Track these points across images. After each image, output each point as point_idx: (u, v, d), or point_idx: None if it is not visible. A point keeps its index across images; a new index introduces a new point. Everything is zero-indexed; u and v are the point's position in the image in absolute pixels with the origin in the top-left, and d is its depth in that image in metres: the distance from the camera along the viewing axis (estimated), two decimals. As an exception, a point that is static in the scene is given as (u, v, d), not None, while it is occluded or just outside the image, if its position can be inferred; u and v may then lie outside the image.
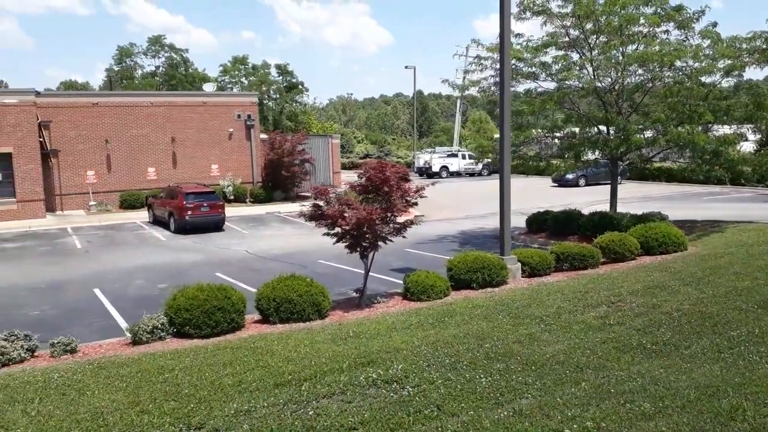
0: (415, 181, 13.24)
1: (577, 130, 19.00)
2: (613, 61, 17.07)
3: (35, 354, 8.75)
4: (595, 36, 17.49)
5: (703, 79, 16.99)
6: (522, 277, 12.72)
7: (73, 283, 14.65)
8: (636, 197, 28.19)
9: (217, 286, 9.91)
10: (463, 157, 50.73)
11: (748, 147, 27.13)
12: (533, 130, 19.55)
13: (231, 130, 31.89)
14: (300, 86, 63.66)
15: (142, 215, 26.46)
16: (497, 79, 18.45)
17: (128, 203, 28.64)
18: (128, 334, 9.42)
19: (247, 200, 31.10)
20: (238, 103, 32.83)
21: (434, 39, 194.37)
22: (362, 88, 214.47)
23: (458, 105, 67.07)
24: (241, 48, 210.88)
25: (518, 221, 18.87)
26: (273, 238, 20.78)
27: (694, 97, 16.75)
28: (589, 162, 19.59)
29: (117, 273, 15.55)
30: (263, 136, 33.93)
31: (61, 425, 6.07)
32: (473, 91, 20.90)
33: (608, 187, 19.62)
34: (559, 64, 17.77)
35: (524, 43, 18.43)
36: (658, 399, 6.09)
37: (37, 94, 27.32)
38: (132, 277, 14.97)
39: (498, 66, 17.82)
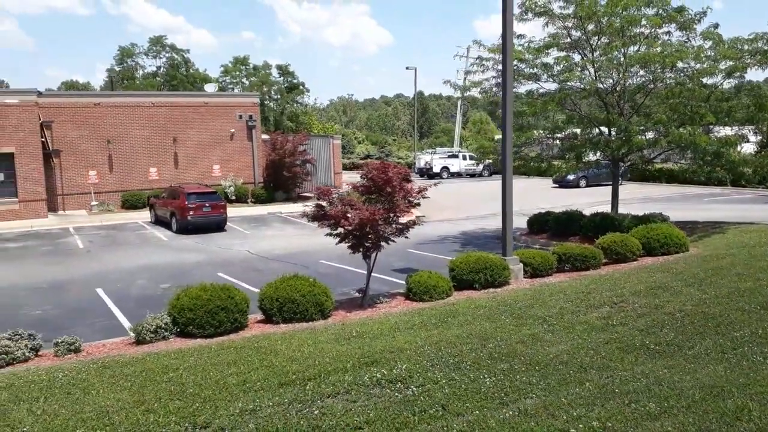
0: (417, 181, 13.27)
1: (578, 131, 19.02)
2: (614, 62, 17.09)
3: (39, 353, 8.77)
4: (596, 37, 17.50)
5: (704, 80, 17.01)
6: (524, 277, 12.74)
7: (75, 282, 14.67)
8: (637, 198, 28.21)
9: (220, 286, 9.93)
10: (464, 157, 50.76)
11: (748, 148, 27.13)
12: (534, 131, 19.58)
13: (232, 130, 31.93)
14: (301, 87, 63.80)
15: (143, 215, 26.49)
16: (499, 80, 18.50)
17: (130, 203, 28.67)
18: (132, 334, 9.44)
19: (249, 200, 31.14)
20: (239, 104, 32.88)
21: (434, 39, 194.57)
22: (363, 88, 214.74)
23: (459, 106, 67.08)
24: (241, 48, 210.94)
25: (519, 222, 18.87)
26: (275, 239, 20.80)
27: (695, 98, 16.76)
28: (591, 163, 19.60)
29: (119, 273, 15.57)
30: (265, 136, 33.98)
31: (66, 424, 6.09)
32: (475, 92, 20.91)
33: (609, 188, 19.65)
34: (561, 65, 17.79)
35: (526, 44, 18.46)
36: (663, 399, 6.11)
37: (39, 94, 27.36)
38: (134, 277, 14.99)
39: (500, 67, 17.89)
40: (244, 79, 64.11)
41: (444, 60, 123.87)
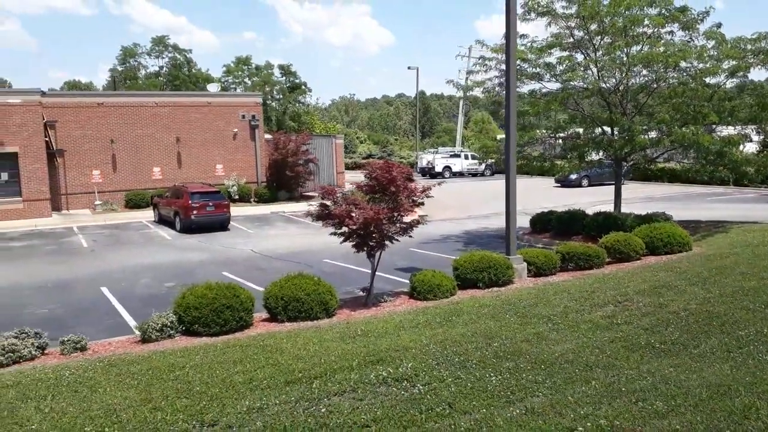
0: (419, 181, 13.29)
1: (581, 130, 19.04)
2: (617, 62, 17.09)
3: (45, 351, 8.80)
4: (599, 37, 17.51)
5: (707, 79, 17.02)
6: (528, 276, 12.76)
7: (80, 281, 14.71)
8: (639, 197, 28.20)
9: (225, 284, 9.97)
10: (466, 157, 50.79)
11: (750, 148, 27.11)
12: (537, 131, 19.59)
13: (235, 130, 31.97)
14: (303, 87, 63.79)
15: (147, 214, 26.55)
16: (502, 79, 18.52)
17: (133, 203, 28.73)
18: (137, 332, 9.48)
19: (252, 200, 31.18)
20: (242, 104, 32.93)
21: (435, 39, 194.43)
22: (364, 88, 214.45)
23: (461, 105, 67.07)
24: (243, 49, 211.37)
25: (522, 221, 18.86)
26: (278, 238, 20.84)
27: (698, 97, 16.75)
28: (594, 162, 19.61)
29: (123, 272, 15.61)
30: (267, 136, 34.02)
31: (74, 422, 6.12)
32: (477, 91, 20.93)
33: (611, 187, 19.66)
34: (564, 65, 17.81)
35: (528, 44, 18.49)
36: (670, 398, 6.12)
37: (43, 94, 27.41)
38: (138, 276, 15.03)
39: (502, 67, 17.92)
40: (246, 79, 64.14)
41: (445, 60, 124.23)
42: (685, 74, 17.11)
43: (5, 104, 24.99)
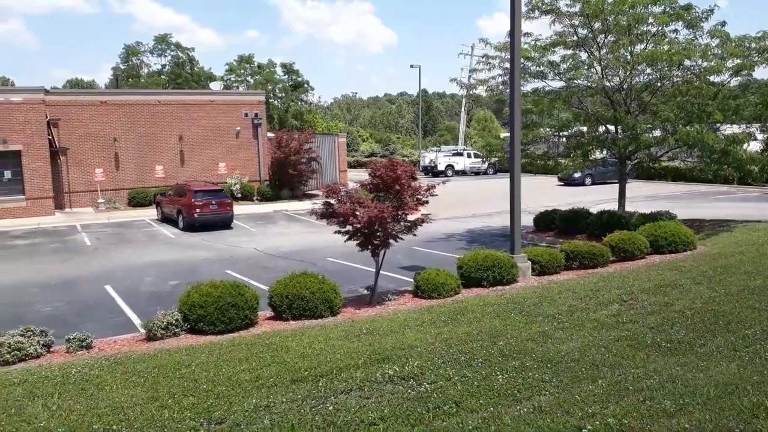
0: (422, 179, 13.29)
1: (585, 129, 19.01)
2: (621, 60, 17.06)
3: (51, 349, 8.80)
4: (603, 35, 17.48)
5: (711, 78, 16.97)
6: (532, 275, 12.74)
7: (84, 279, 14.73)
8: (642, 196, 28.12)
9: (230, 282, 9.97)
10: (469, 155, 50.73)
11: (754, 146, 27.03)
12: (541, 129, 19.56)
13: (238, 128, 31.97)
14: (305, 85, 63.79)
15: (150, 213, 26.56)
16: (505, 78, 18.52)
17: (136, 201, 28.76)
18: (142, 330, 9.49)
19: (255, 198, 31.18)
20: (245, 102, 32.92)
21: (438, 38, 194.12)
22: (367, 87, 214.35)
23: (463, 104, 67.04)
24: (245, 47, 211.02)
25: (525, 220, 18.80)
26: (281, 236, 20.84)
27: (702, 96, 16.73)
28: (598, 161, 19.59)
29: (127, 270, 15.63)
30: (270, 134, 34.01)
31: (82, 419, 6.13)
32: (481, 90, 20.91)
33: (614, 186, 19.62)
34: (568, 63, 17.79)
35: (532, 42, 18.45)
36: (678, 396, 6.11)
37: (46, 92, 27.44)
38: (142, 274, 15.04)
39: (506, 65, 17.92)
40: (248, 78, 64.12)
41: (448, 58, 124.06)
42: (689, 72, 17.07)
43: (9, 102, 25.02)
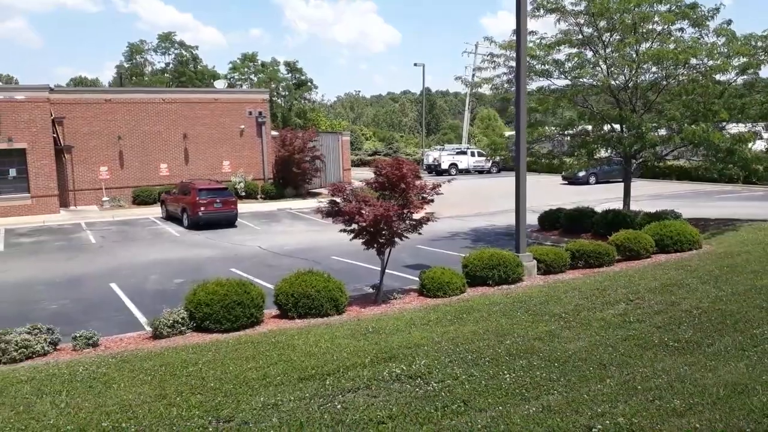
0: (426, 178, 13.26)
1: (590, 127, 18.96)
2: (627, 58, 16.99)
3: (58, 347, 8.83)
4: (608, 34, 17.41)
5: (717, 76, 16.90)
6: (537, 274, 12.72)
7: (89, 277, 14.76)
8: (647, 195, 28.06)
9: (236, 281, 9.97)
10: (473, 154, 50.70)
11: (759, 146, 26.93)
12: (546, 128, 19.51)
13: (242, 126, 32.00)
14: (309, 83, 63.77)
15: (154, 211, 26.60)
16: (510, 76, 18.48)
17: (141, 199, 28.82)
18: (148, 328, 9.50)
19: (259, 197, 31.20)
20: (249, 100, 32.94)
21: (441, 37, 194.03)
22: (370, 85, 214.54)
23: (467, 102, 66.94)
24: (249, 46, 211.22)
25: (530, 219, 18.70)
26: (285, 235, 20.85)
27: (708, 94, 16.66)
28: (602, 160, 19.52)
29: (132, 268, 15.65)
30: (274, 133, 34.03)
31: (91, 417, 6.14)
32: (485, 88, 20.87)
33: (619, 184, 19.58)
34: (573, 62, 17.72)
35: (537, 41, 18.38)
36: (687, 396, 6.09)
37: (51, 90, 27.48)
38: (147, 272, 15.06)
39: (511, 63, 17.88)
40: (252, 76, 64.16)
41: (451, 57, 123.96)
42: (695, 71, 16.99)
43: (14, 101, 25.08)
